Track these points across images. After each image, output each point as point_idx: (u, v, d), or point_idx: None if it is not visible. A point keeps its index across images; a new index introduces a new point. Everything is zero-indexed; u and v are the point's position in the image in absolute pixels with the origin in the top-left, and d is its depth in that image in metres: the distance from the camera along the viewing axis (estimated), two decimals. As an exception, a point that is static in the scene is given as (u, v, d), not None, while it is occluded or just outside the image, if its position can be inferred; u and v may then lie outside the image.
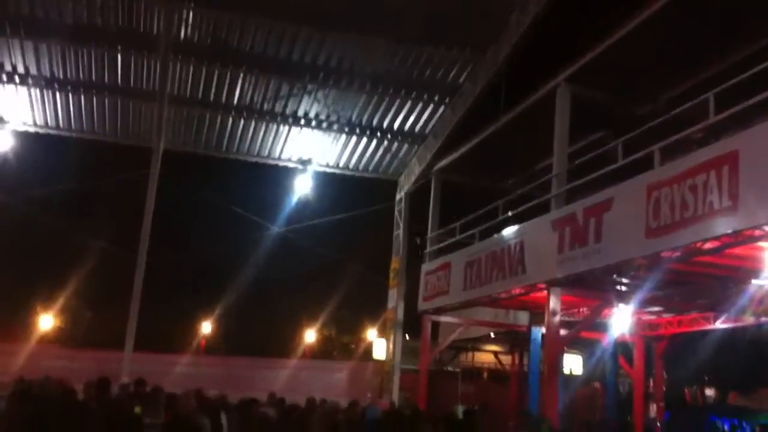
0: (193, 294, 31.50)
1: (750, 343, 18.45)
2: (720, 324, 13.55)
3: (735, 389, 25.24)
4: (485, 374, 28.91)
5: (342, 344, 38.64)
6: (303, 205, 20.08)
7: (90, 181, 20.08)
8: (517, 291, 12.33)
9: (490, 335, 21.58)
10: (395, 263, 18.86)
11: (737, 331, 14.74)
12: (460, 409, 11.46)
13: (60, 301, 28.51)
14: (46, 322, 28.71)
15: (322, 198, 20.53)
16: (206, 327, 31.04)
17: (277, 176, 20.75)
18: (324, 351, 34.45)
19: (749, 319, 12.52)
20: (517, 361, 22.89)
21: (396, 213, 19.44)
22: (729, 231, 7.47)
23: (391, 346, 18.71)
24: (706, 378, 26.73)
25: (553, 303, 10.92)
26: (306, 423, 9.87)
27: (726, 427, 17.42)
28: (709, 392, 26.92)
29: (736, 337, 15.87)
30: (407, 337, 20.95)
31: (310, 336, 31.59)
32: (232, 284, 28.91)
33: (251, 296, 31.97)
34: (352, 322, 36.44)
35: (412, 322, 19.12)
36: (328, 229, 21.45)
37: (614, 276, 10.71)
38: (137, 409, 7.21)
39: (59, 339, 27.80)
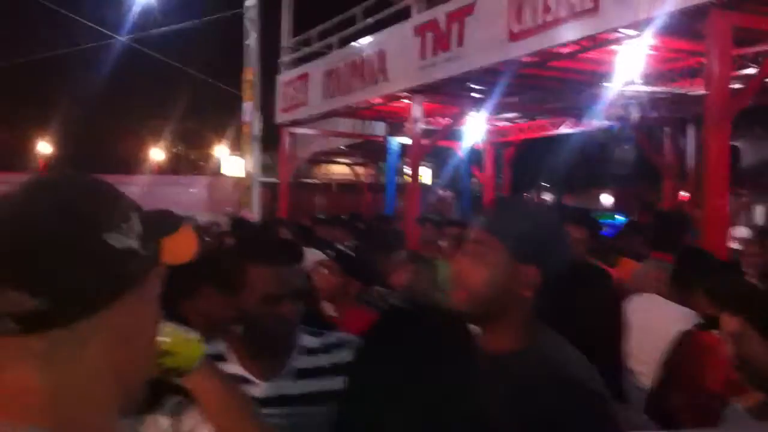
0: (29, 109, 29.38)
1: (587, 146, 19.74)
2: (563, 129, 14.24)
3: (570, 192, 27.35)
4: (334, 186, 29.52)
5: (190, 161, 38.02)
6: (146, 13, 18.82)
7: None
8: (379, 100, 12.34)
9: (344, 147, 21.77)
10: (249, 74, 18.26)
11: (578, 136, 15.64)
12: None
13: None
14: None
15: (166, 6, 19.31)
16: (45, 146, 29.39)
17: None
18: (172, 168, 33.77)
19: (596, 123, 13.19)
20: (372, 172, 23.44)
21: (246, 21, 18.54)
22: (591, 33, 7.67)
23: (249, 160, 18.54)
24: (543, 183, 28.70)
25: (416, 111, 11.02)
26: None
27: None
28: (546, 196, 29.04)
29: (575, 141, 16.84)
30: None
31: (158, 153, 30.70)
32: (71, 99, 27.15)
33: (92, 112, 30.28)
34: (200, 138, 35.63)
35: (265, 137, 18.90)
36: (173, 40, 20.35)
37: (469, 83, 10.82)
38: None
39: None
